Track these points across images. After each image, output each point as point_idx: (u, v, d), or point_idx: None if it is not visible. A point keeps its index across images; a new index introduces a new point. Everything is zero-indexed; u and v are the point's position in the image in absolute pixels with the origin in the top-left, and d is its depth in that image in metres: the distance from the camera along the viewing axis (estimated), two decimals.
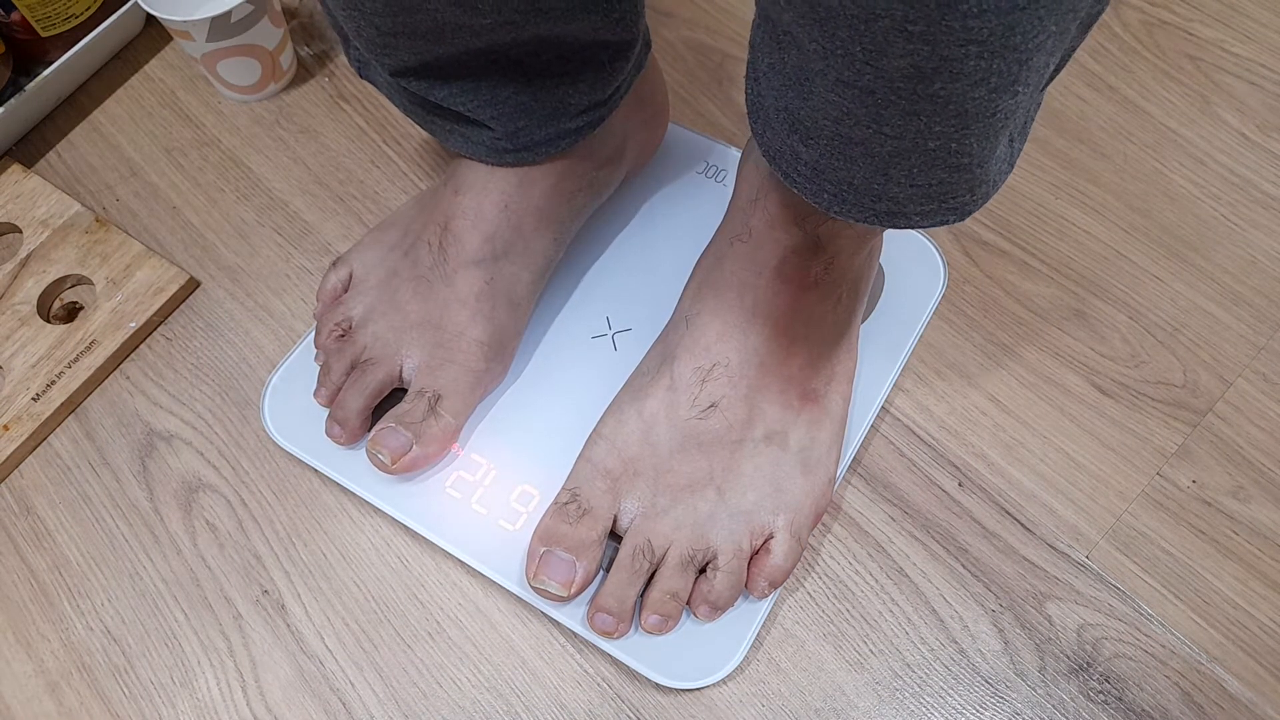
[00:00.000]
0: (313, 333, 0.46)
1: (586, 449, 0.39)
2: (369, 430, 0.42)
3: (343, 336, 0.42)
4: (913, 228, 0.31)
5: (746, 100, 0.33)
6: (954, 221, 0.31)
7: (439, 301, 0.41)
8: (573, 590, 0.37)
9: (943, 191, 0.29)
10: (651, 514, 0.37)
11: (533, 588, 0.38)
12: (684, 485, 0.37)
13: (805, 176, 0.31)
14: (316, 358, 0.44)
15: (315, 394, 0.43)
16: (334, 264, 0.45)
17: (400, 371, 0.41)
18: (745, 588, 0.38)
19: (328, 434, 0.42)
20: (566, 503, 0.38)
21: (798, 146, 0.30)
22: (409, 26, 0.35)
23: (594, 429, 0.40)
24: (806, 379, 0.38)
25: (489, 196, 0.41)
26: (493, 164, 0.41)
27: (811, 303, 0.38)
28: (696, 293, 0.39)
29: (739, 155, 0.50)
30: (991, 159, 0.29)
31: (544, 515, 0.39)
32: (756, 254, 0.37)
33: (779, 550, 0.37)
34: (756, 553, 0.38)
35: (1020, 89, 0.25)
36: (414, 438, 0.40)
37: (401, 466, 0.40)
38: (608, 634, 0.37)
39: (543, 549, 0.38)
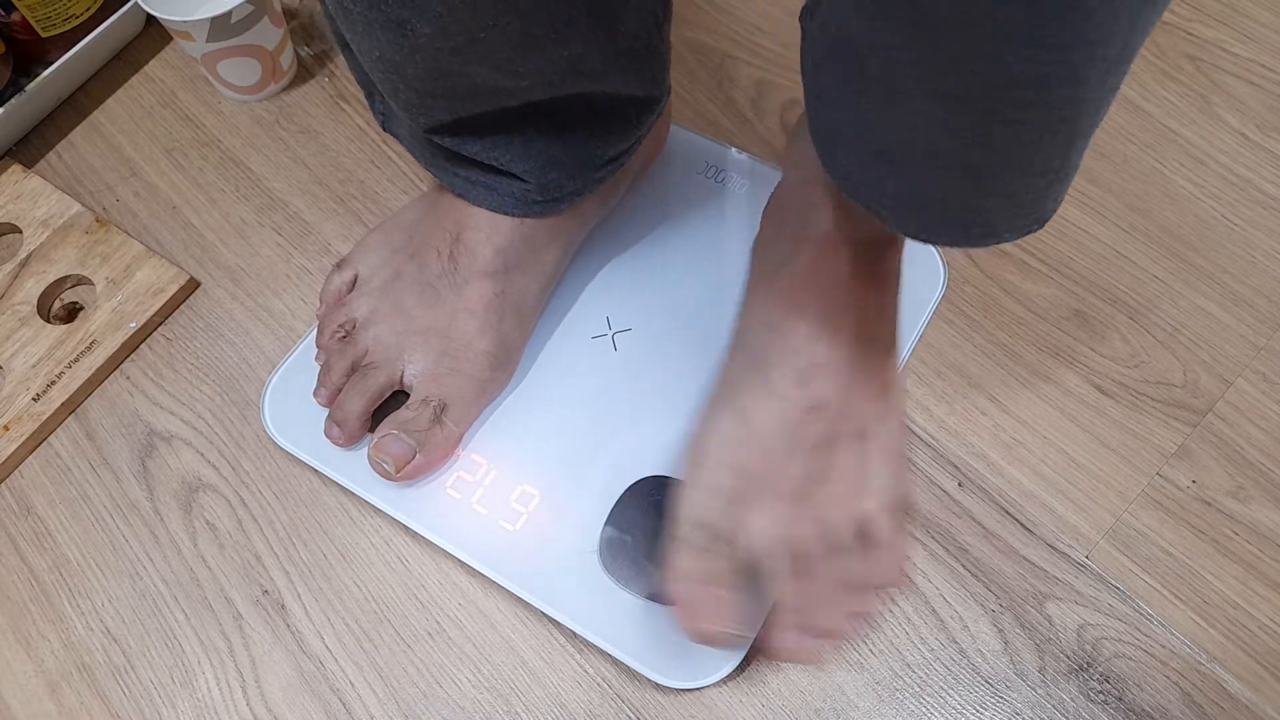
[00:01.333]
0: (314, 333, 0.46)
1: (697, 473, 0.36)
2: (368, 432, 0.42)
3: (345, 338, 0.42)
4: (999, 243, 0.31)
5: (811, 126, 0.32)
6: (1035, 230, 0.30)
7: (447, 310, 0.40)
8: (748, 629, 0.36)
9: (1033, 200, 0.28)
10: (779, 522, 0.35)
11: (704, 639, 0.35)
12: (798, 489, 0.35)
13: (891, 206, 0.30)
14: (317, 357, 0.44)
15: (315, 394, 0.43)
16: (338, 265, 0.44)
17: (402, 376, 0.41)
18: (870, 576, 0.36)
19: (326, 435, 0.42)
20: (690, 533, 0.35)
21: (883, 172, 0.29)
22: (448, 89, 0.35)
23: (692, 454, 0.37)
24: (887, 368, 0.37)
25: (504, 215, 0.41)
26: (516, 215, 0.40)
27: (890, 292, 0.37)
28: (771, 297, 0.37)
29: (739, 156, 0.50)
30: (1079, 159, 0.28)
31: (674, 550, 0.35)
32: (835, 253, 0.36)
33: (889, 537, 0.36)
34: (868, 543, 0.36)
35: (1119, 85, 0.24)
36: (418, 446, 0.40)
37: (405, 475, 0.40)
38: (806, 655, 0.36)
39: (685, 589, 0.35)
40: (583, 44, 0.35)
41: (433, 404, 0.40)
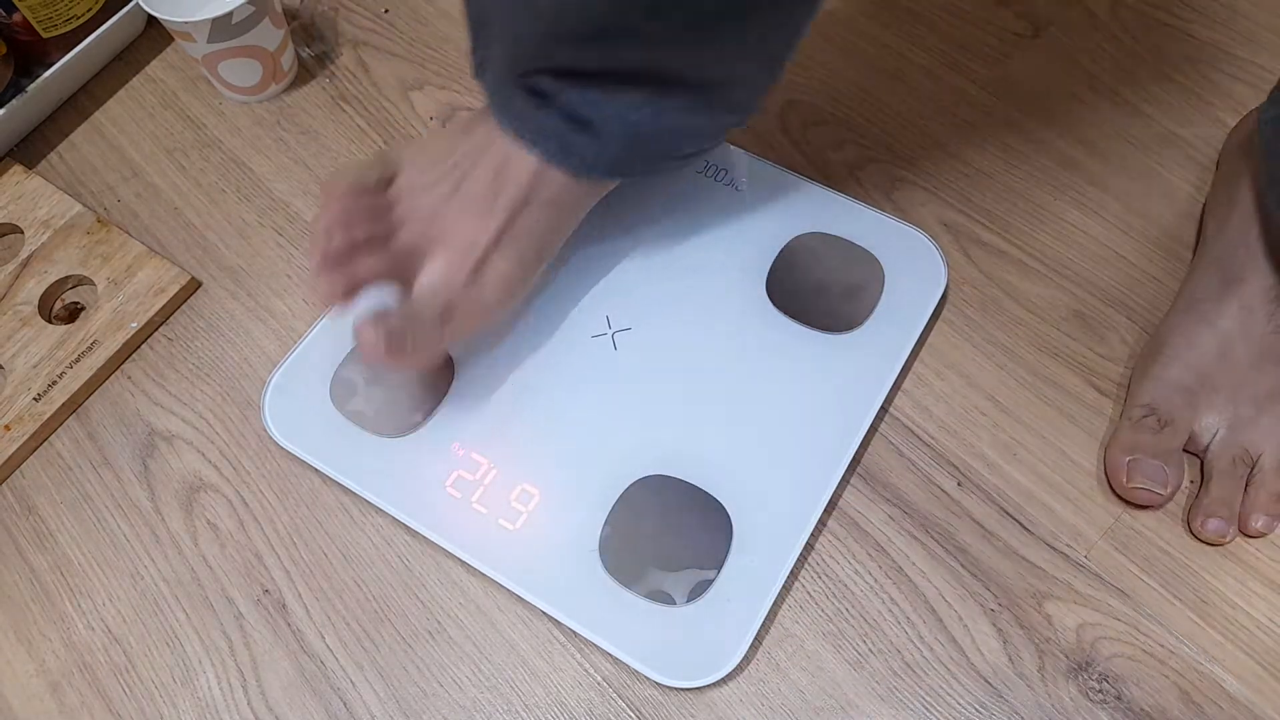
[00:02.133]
0: (314, 333, 0.46)
1: (1154, 368, 0.41)
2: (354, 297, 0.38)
3: (370, 219, 0.40)
4: None
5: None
6: None
7: (476, 227, 0.40)
8: (1169, 492, 0.40)
9: None
10: (1238, 425, 0.40)
11: (1125, 494, 0.40)
12: (1265, 395, 0.40)
13: None
14: (319, 226, 0.39)
15: (314, 252, 0.38)
16: (377, 158, 0.42)
17: (415, 276, 0.40)
18: None
19: (316, 267, 0.38)
20: (1144, 416, 0.40)
21: None
22: (581, 28, 0.35)
23: (1151, 349, 0.42)
24: None
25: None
26: (579, 176, 0.40)
27: None
28: (1252, 221, 0.42)
29: (740, 155, 0.50)
30: None
31: (1117, 430, 0.41)
32: None
33: None
34: None
35: None
36: (413, 335, 0.38)
37: (389, 356, 0.38)
38: (1221, 539, 0.40)
39: (1128, 457, 0.40)
40: (755, 31, 0.35)
41: (440, 308, 0.40)
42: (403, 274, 0.39)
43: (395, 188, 0.42)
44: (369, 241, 0.39)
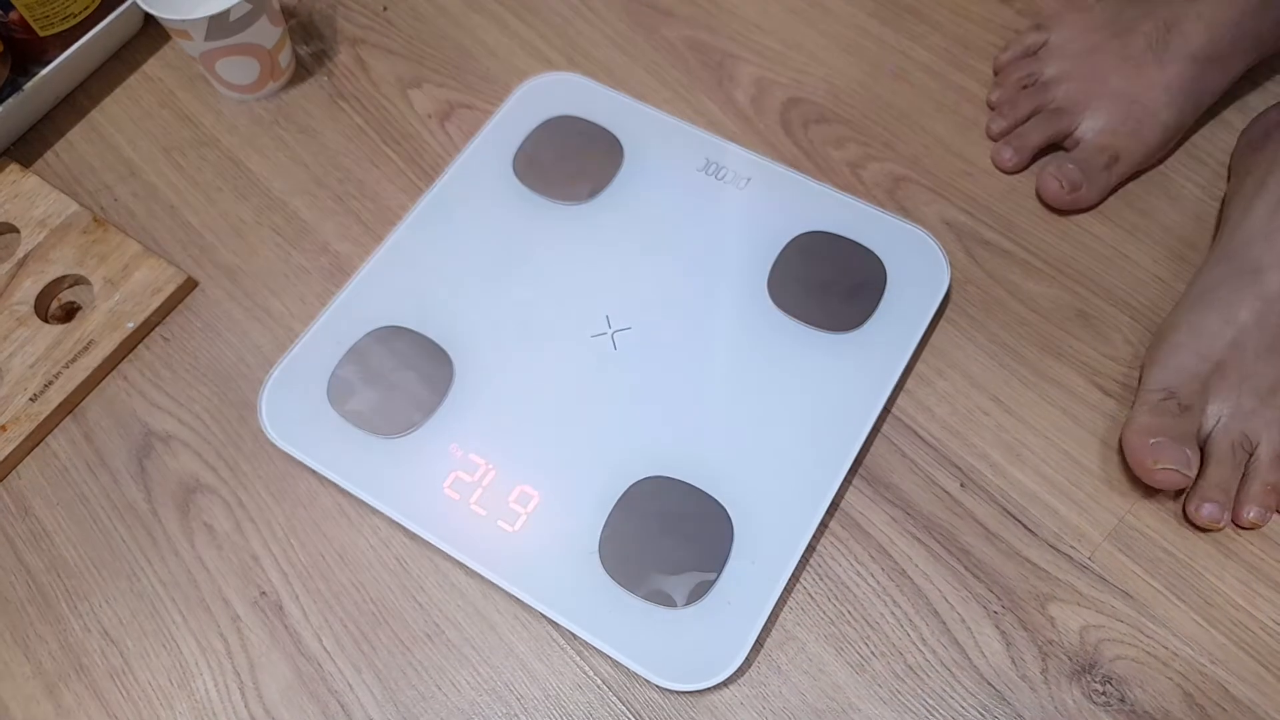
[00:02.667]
0: (311, 334, 0.46)
1: (1168, 354, 0.42)
2: (1029, 164, 0.49)
3: (1030, 87, 0.50)
4: None
5: None
6: None
7: (1145, 82, 0.47)
8: (1193, 474, 0.40)
9: None
10: (1240, 414, 0.41)
11: (1150, 477, 0.40)
12: (1268, 387, 0.40)
13: None
14: (996, 97, 0.50)
15: (990, 123, 0.50)
16: (1033, 28, 0.52)
17: (1076, 128, 0.48)
18: None
19: (995, 156, 0.49)
20: (1163, 399, 0.41)
21: None
22: None
23: (1164, 335, 0.43)
24: None
25: (1226, 10, 0.46)
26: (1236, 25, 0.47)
27: None
28: (1274, 213, 0.43)
29: (740, 153, 0.50)
30: None
31: (1134, 415, 0.41)
32: None
33: None
34: None
35: None
36: (1086, 181, 0.46)
37: (1070, 201, 0.47)
38: (1215, 524, 0.40)
39: (1152, 440, 0.40)
40: None
41: (1108, 154, 0.47)
42: (1067, 129, 0.48)
43: (1048, 49, 0.50)
44: (1035, 110, 0.49)
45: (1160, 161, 0.49)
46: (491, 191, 0.49)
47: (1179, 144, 0.49)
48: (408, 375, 0.44)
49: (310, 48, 0.57)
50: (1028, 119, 0.49)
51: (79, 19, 0.54)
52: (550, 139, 0.51)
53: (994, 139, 0.50)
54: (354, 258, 0.49)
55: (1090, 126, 0.48)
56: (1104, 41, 0.49)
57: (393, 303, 0.46)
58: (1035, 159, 0.49)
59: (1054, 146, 0.50)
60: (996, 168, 0.49)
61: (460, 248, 0.48)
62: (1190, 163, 0.50)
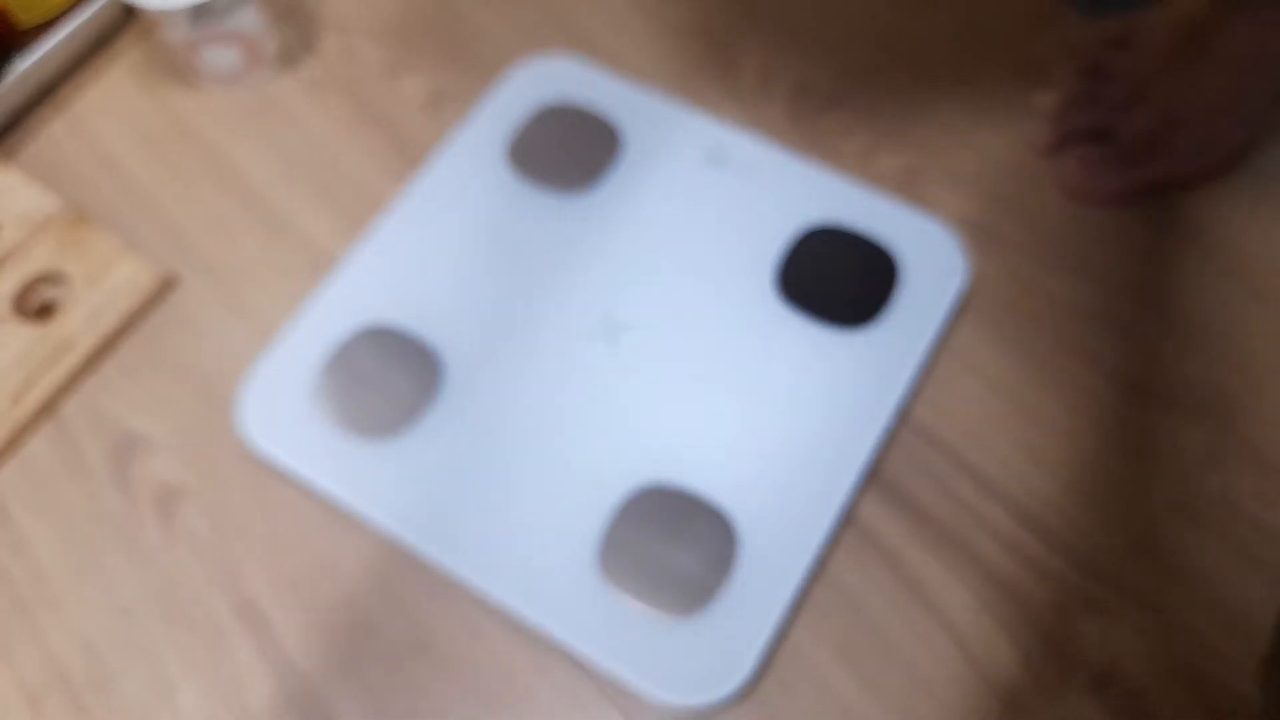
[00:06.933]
0: (297, 333, 0.45)
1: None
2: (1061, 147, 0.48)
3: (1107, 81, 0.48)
4: None
5: None
6: None
7: (1205, 95, 0.46)
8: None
9: None
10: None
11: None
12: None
13: None
14: (1078, 91, 0.49)
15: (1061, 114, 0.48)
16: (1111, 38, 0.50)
17: (1133, 125, 0.46)
18: None
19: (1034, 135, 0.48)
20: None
21: None
22: None
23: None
24: None
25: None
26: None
27: None
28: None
29: (745, 142, 0.48)
30: None
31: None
32: None
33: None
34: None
35: None
36: (1114, 172, 0.46)
37: (1090, 191, 0.47)
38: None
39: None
40: None
41: (1149, 151, 0.46)
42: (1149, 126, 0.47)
43: (1131, 52, 0.49)
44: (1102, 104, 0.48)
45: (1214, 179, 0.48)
46: (483, 181, 0.48)
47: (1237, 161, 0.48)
48: (394, 375, 0.43)
49: (295, 34, 0.56)
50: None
51: (59, 10, 0.53)
52: (545, 126, 0.49)
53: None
54: (339, 252, 0.48)
55: (1146, 129, 0.46)
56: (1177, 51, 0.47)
57: (379, 298, 0.45)
58: (1070, 144, 0.48)
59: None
60: (1030, 147, 0.48)
61: (451, 240, 0.47)
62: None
